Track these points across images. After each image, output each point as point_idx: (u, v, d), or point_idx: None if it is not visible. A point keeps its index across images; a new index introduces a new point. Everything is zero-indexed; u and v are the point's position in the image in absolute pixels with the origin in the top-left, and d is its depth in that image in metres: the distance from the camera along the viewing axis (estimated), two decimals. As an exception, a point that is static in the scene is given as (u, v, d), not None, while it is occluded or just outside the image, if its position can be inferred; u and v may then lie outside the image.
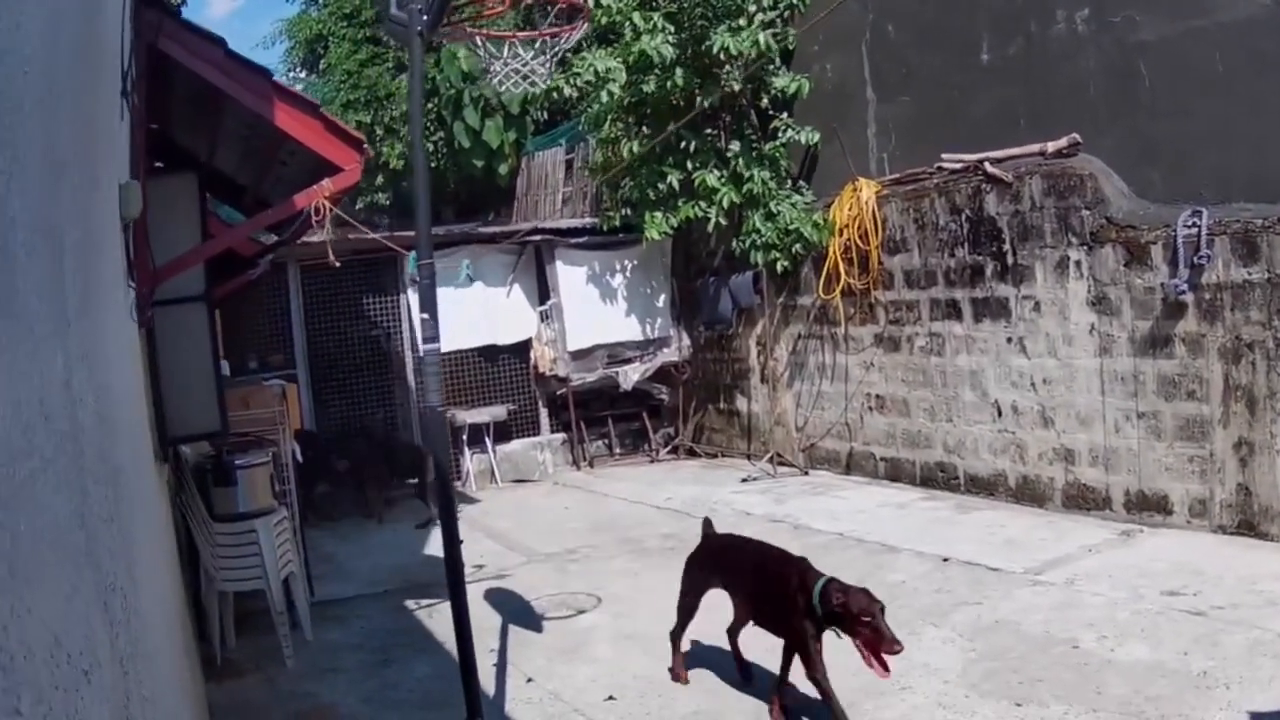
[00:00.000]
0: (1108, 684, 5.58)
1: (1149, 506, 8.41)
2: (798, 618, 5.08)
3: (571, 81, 11.74)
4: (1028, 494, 9.23)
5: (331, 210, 6.63)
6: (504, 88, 6.47)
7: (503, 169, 15.49)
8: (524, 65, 6.28)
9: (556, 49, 6.48)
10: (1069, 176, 8.85)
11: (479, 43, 6.48)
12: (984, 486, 9.64)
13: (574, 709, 5.79)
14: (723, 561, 5.98)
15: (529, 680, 6.22)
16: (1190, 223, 8.01)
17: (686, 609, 5.94)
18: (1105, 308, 8.54)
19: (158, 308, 5.73)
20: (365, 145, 6.57)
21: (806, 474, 11.27)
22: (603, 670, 6.34)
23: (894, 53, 10.65)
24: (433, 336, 4.95)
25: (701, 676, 6.11)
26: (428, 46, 5.66)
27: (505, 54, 6.37)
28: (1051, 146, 9.08)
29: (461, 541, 4.97)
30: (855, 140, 11.03)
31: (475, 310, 12.03)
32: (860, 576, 7.70)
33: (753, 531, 9.17)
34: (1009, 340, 9.28)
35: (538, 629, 7.08)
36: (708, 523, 6.27)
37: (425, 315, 4.95)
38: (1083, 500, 8.79)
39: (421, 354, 5.21)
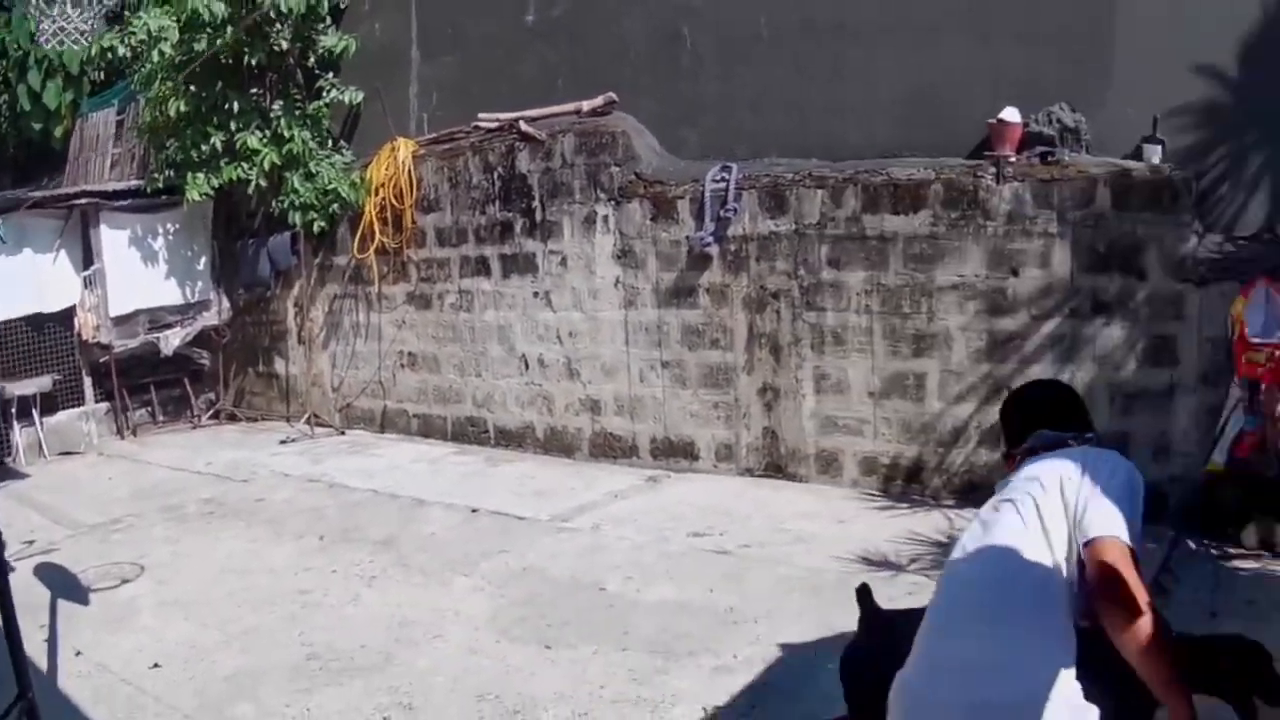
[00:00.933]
0: (635, 624, 5.48)
1: (676, 453, 8.34)
2: None
3: (126, 40, 10.99)
4: (556, 445, 9.01)
5: None
6: (50, 45, 5.60)
7: (58, 131, 14.21)
8: (69, 22, 5.47)
9: (103, 6, 5.68)
10: (601, 134, 8.67)
11: (30, -1, 5.55)
12: (514, 439, 9.35)
13: (121, 679, 5.33)
14: None
15: (78, 654, 5.69)
16: (719, 177, 8.01)
17: None
18: (631, 261, 8.41)
19: None
20: None
21: (343, 434, 10.81)
22: (148, 639, 5.88)
23: (443, 13, 10.21)
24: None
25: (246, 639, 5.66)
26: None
27: (54, 11, 5.50)
28: (587, 105, 8.91)
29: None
30: (398, 101, 10.51)
31: (21, 277, 11.00)
32: (394, 531, 7.33)
33: (291, 491, 8.38)
34: (536, 295, 9.01)
35: (85, 601, 6.57)
36: (864, 593, 3.77)
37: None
38: (610, 449, 8.62)
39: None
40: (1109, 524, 2.48)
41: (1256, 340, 6.39)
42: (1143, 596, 2.36)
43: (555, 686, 4.86)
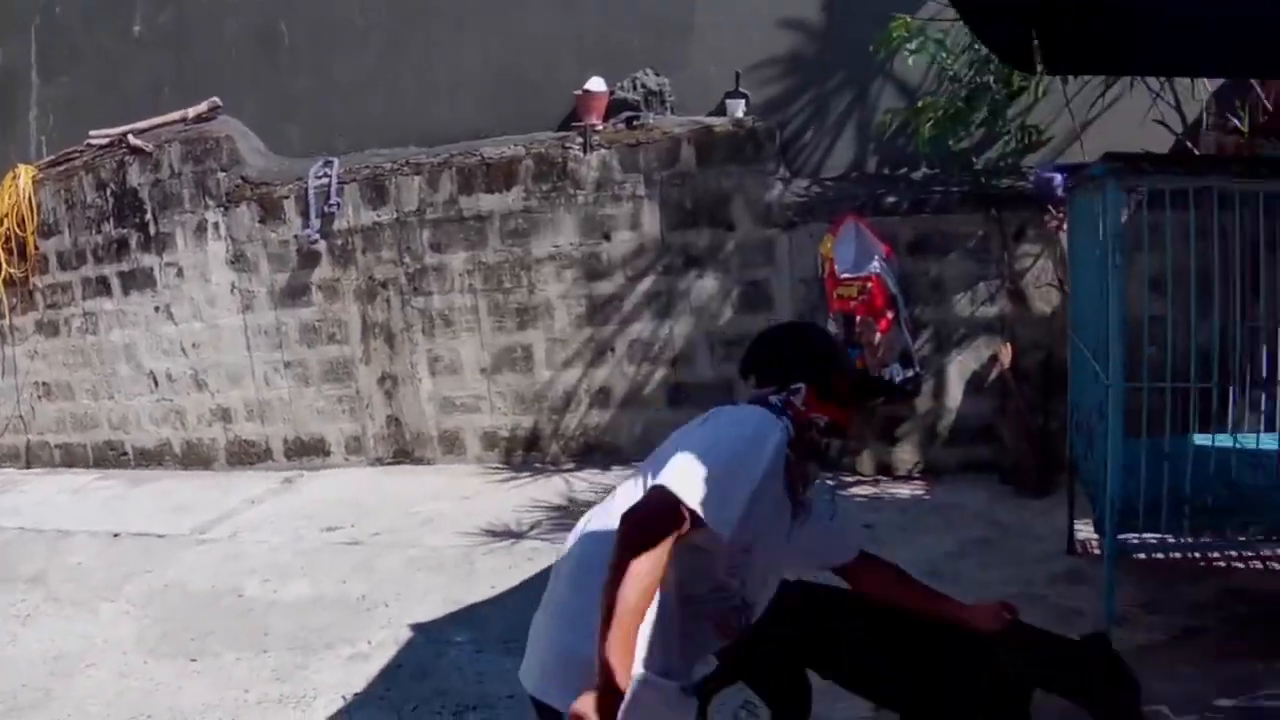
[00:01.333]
0: (274, 625, 5.36)
1: (307, 451, 8.15)
2: None
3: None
4: (194, 458, 8.65)
5: None
6: None
7: None
8: None
9: None
10: (206, 140, 8.34)
11: None
12: (153, 458, 8.93)
13: None
14: None
15: None
16: (321, 173, 7.85)
17: None
18: (244, 265, 8.13)
19: None
20: None
21: None
22: None
23: (61, 33, 9.61)
24: None
25: None
26: None
27: None
28: (192, 112, 8.57)
29: None
30: (21, 127, 9.85)
31: None
32: (42, 566, 6.77)
33: None
34: (157, 309, 8.62)
35: None
36: None
37: None
38: (246, 456, 8.34)
39: None
40: (663, 474, 2.22)
41: (846, 275, 6.59)
42: (633, 542, 2.12)
43: (203, 697, 4.68)
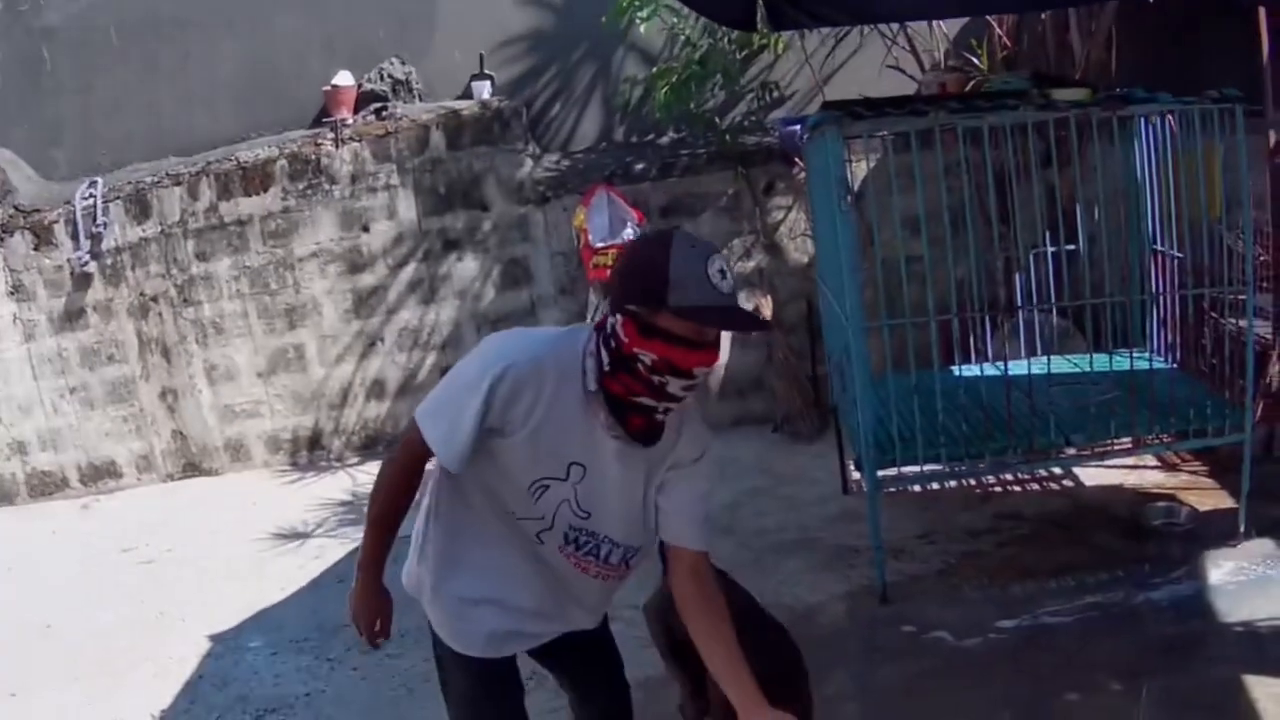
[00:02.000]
0: (84, 650, 5.24)
1: (101, 475, 8.00)
2: None
3: None
4: None
5: None
6: None
7: None
8: None
9: None
10: None
11: None
12: None
13: None
14: None
15: None
16: (87, 194, 7.66)
17: None
18: (23, 294, 7.94)
19: None
20: None
21: None
22: None
23: None
24: None
25: None
26: None
27: None
28: None
29: None
30: None
31: None
32: None
33: None
34: None
35: None
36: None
37: None
38: (45, 486, 8.13)
39: None
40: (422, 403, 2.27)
41: (601, 244, 6.58)
42: (383, 468, 2.31)
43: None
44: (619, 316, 2.02)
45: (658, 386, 2.01)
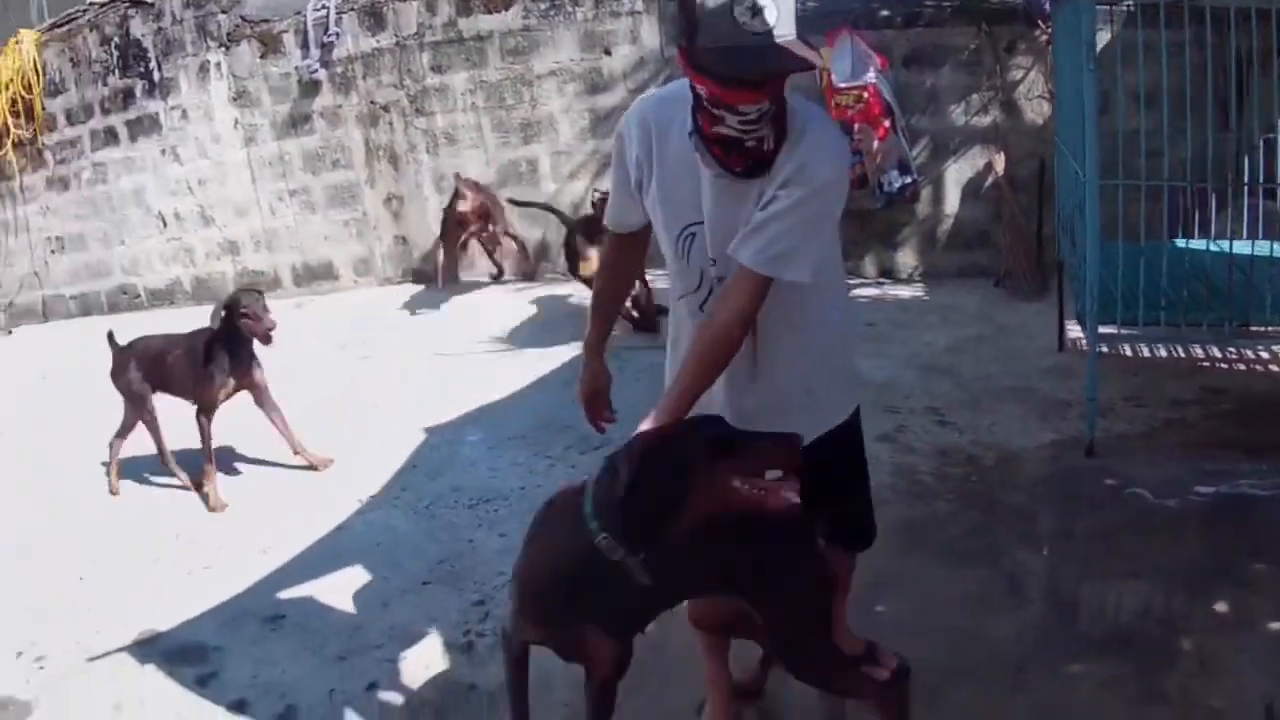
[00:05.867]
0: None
1: (316, 277, 7.56)
2: None
3: None
4: (204, 293, 7.89)
5: None
6: None
7: None
8: None
9: None
10: None
11: None
12: (164, 297, 8.24)
13: None
14: None
15: None
16: (319, 6, 7.20)
17: None
18: (246, 101, 7.46)
19: None
20: None
21: (10, 333, 9.16)
22: None
23: None
24: None
25: None
26: None
27: None
28: None
29: None
30: None
31: None
32: (62, 412, 5.86)
33: None
34: (163, 152, 7.90)
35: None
36: None
37: None
38: (257, 285, 7.80)
39: None
40: None
41: (843, 85, 6.17)
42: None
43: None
44: (677, 49, 1.85)
45: (717, 119, 1.81)
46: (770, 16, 1.72)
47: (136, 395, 4.35)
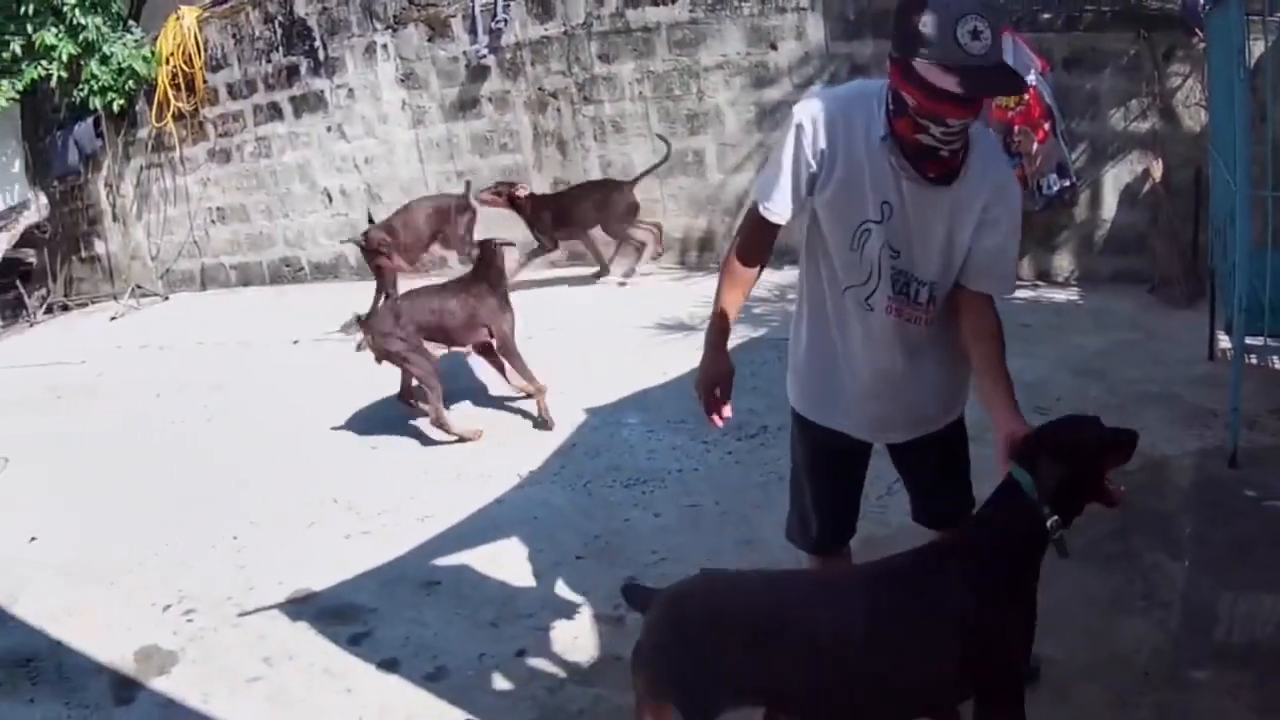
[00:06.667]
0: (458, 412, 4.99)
1: None
2: None
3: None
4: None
5: None
6: None
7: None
8: None
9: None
10: None
11: None
12: (328, 271, 8.48)
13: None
14: None
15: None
16: None
17: None
18: (414, 82, 7.59)
19: None
20: None
21: (168, 299, 9.54)
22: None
23: None
24: None
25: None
26: None
27: None
28: None
29: None
30: None
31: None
32: (224, 376, 6.36)
33: (125, 362, 7.19)
34: (329, 129, 8.09)
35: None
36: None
37: None
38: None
39: None
40: None
41: None
42: (733, 246, 2.30)
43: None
44: (889, 58, 1.92)
45: (922, 128, 1.91)
46: (987, 39, 1.84)
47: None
